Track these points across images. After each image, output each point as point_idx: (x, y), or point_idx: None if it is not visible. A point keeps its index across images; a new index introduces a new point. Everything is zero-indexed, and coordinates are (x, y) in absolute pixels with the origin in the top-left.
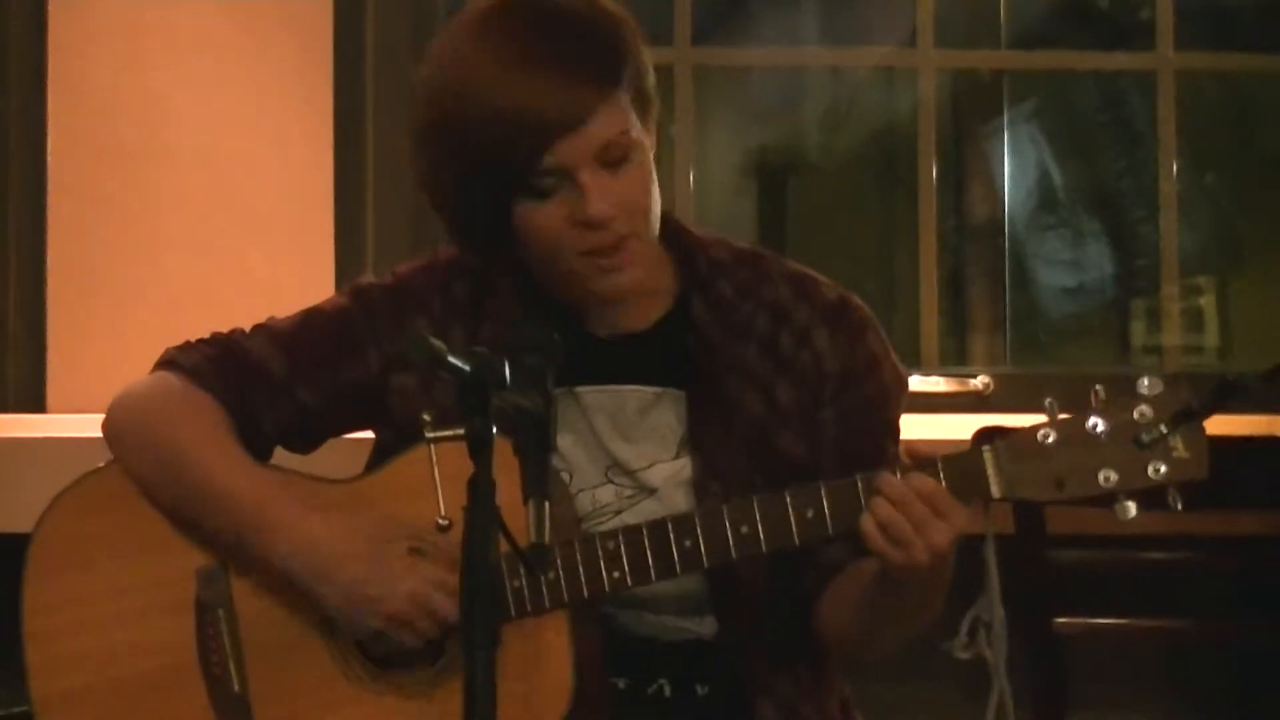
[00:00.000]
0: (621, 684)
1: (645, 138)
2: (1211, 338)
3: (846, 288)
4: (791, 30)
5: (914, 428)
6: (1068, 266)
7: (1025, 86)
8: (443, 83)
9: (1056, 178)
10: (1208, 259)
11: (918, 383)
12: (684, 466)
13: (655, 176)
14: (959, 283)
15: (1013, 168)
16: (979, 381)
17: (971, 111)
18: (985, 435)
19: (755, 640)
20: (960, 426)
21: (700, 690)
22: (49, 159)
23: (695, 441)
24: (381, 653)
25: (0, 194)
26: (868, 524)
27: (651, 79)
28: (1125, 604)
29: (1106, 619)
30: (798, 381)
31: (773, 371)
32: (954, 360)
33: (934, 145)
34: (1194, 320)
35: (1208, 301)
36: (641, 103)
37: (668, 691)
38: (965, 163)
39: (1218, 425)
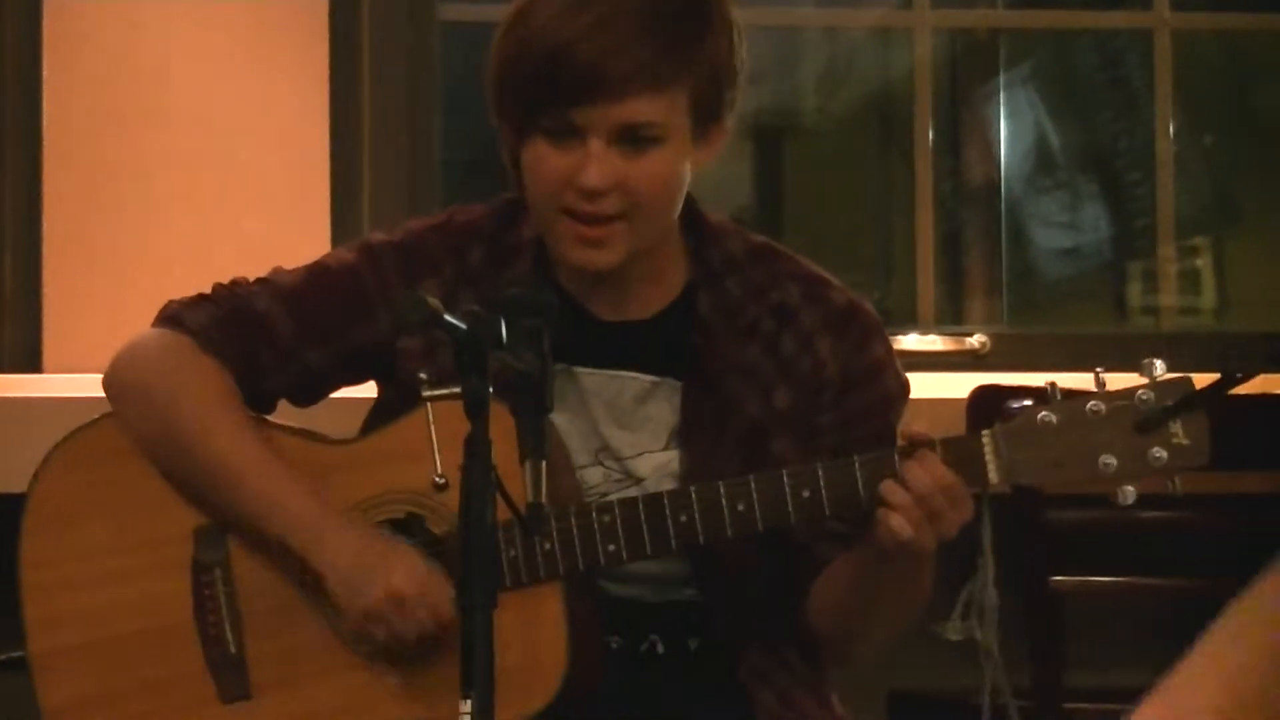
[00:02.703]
0: (614, 643)
1: (686, 141)
2: (1208, 299)
3: (842, 250)
4: None
5: (912, 387)
6: (1064, 228)
7: (1022, 48)
8: (524, 4)
9: (1053, 139)
10: (1204, 220)
11: (914, 342)
12: (673, 459)
13: (683, 182)
14: (955, 245)
15: (1009, 129)
16: (975, 340)
17: (968, 72)
18: (982, 396)
19: (740, 623)
20: (957, 385)
21: (692, 645)
22: (44, 121)
23: (686, 436)
24: (377, 644)
25: None
26: (883, 510)
27: (730, 97)
28: (1122, 563)
29: (1103, 578)
30: (797, 386)
31: (773, 374)
32: (951, 322)
33: (930, 106)
34: (1190, 281)
35: (1204, 263)
36: (701, 111)
37: (660, 648)
38: (961, 124)
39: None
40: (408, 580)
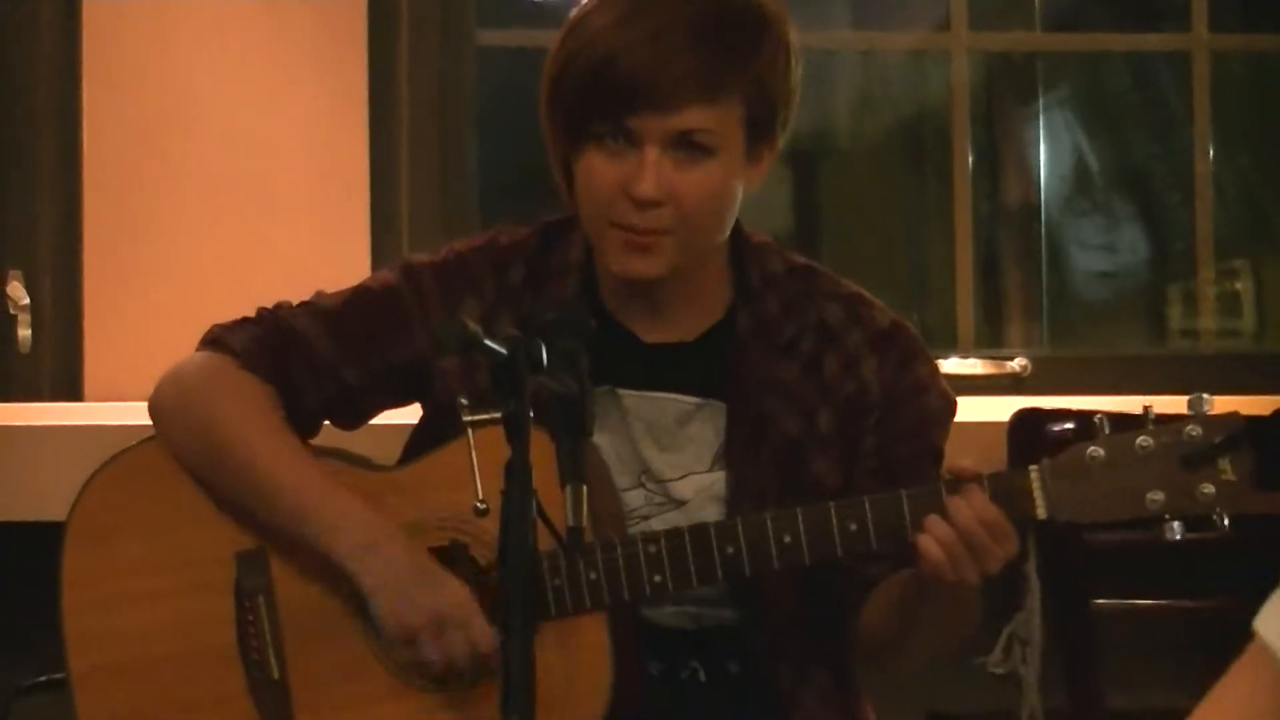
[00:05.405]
0: (655, 670)
1: (739, 156)
2: (1248, 321)
3: (880, 273)
4: (822, 14)
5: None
6: (1103, 250)
7: (1059, 70)
8: (577, 17)
9: (1091, 161)
10: (1243, 242)
11: (954, 365)
12: (717, 480)
13: (734, 199)
14: (993, 267)
15: (1047, 151)
16: (1016, 364)
17: (1005, 95)
18: (1024, 420)
19: (779, 644)
20: (998, 409)
21: (733, 669)
22: (83, 145)
23: (730, 457)
24: (405, 664)
25: (34, 180)
26: (926, 543)
27: (783, 116)
28: (1162, 585)
29: (1142, 600)
30: (840, 409)
31: (815, 395)
32: (989, 345)
33: (968, 129)
34: (1230, 303)
35: (1244, 285)
36: (754, 127)
37: (702, 675)
38: (999, 146)
39: (1261, 404)
40: (451, 607)
